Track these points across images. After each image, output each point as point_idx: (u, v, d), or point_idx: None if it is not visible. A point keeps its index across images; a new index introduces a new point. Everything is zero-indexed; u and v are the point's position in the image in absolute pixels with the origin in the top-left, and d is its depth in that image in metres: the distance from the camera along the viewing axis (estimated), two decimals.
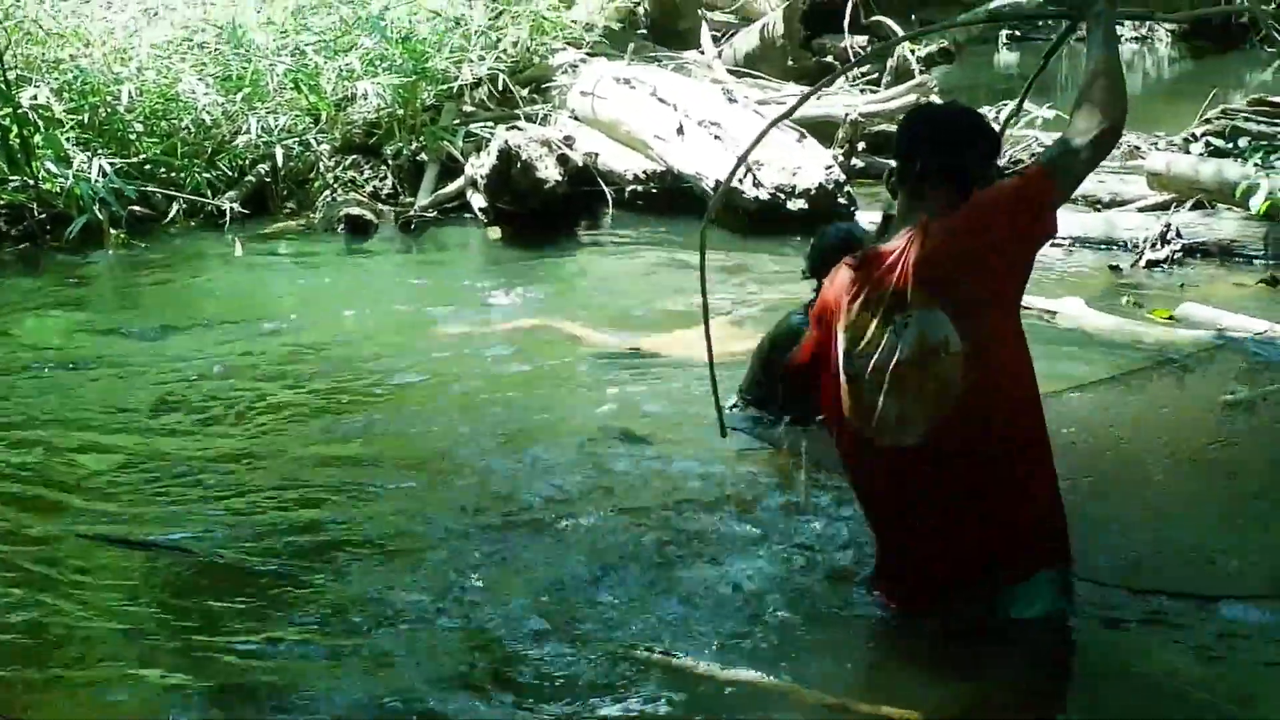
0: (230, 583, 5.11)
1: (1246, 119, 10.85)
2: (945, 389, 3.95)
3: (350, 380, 7.45)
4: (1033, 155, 10.72)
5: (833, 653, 4.55)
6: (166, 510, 5.81)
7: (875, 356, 4.03)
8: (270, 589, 5.07)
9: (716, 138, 10.79)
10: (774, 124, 5.26)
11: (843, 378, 4.13)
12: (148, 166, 11.10)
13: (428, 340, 8.07)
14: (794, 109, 5.13)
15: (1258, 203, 9.27)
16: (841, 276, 4.18)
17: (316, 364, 7.76)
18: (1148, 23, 21.59)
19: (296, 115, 11.46)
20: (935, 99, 13.28)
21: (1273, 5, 19.93)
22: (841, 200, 10.31)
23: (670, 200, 11.05)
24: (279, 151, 11.24)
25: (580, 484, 5.96)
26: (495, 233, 10.85)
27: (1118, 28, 4.17)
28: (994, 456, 4.02)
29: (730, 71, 13.81)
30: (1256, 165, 9.71)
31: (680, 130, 11.03)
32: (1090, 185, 11.00)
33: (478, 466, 6.21)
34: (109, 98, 10.90)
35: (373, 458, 6.39)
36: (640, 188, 11.31)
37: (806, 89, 12.60)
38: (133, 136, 11.09)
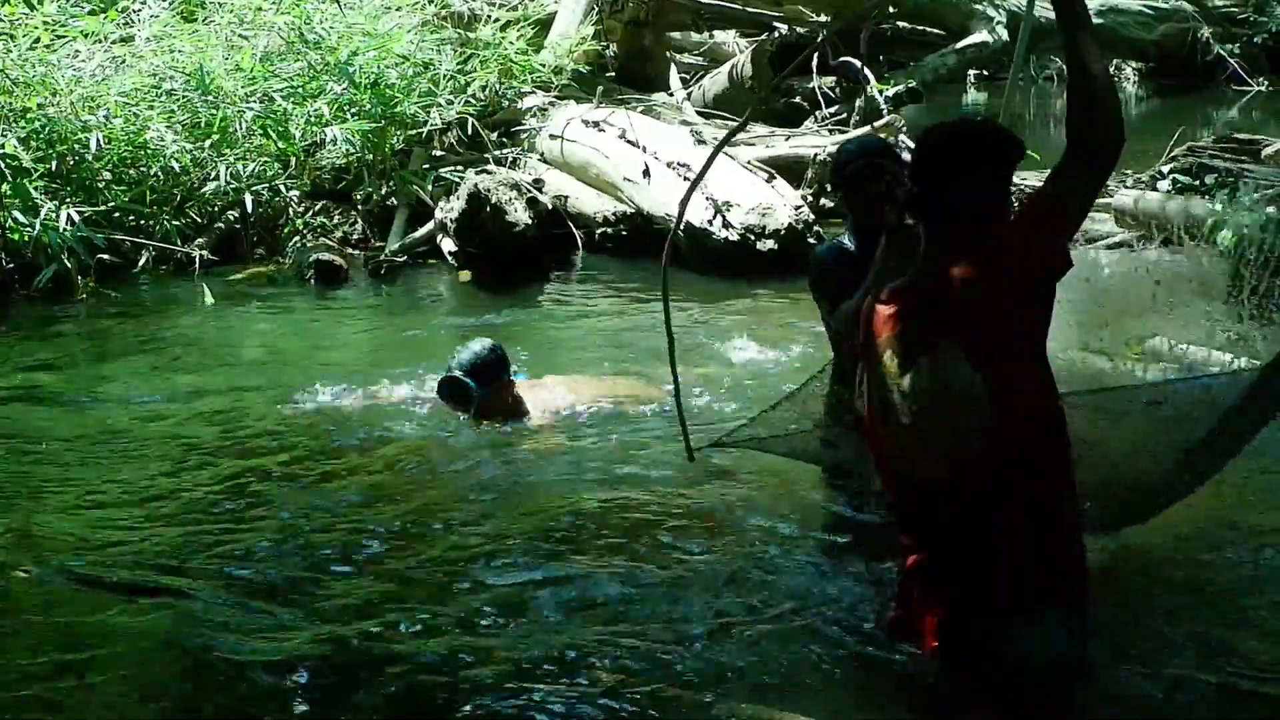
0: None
1: (1213, 156, 10.92)
2: (968, 429, 3.94)
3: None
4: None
5: (829, 689, 4.59)
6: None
7: (899, 394, 4.03)
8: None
9: (686, 179, 10.83)
10: (717, 151, 5.34)
11: (877, 408, 4.15)
12: (116, 214, 11.09)
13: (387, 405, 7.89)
14: (731, 135, 5.30)
15: (1225, 239, 9.33)
16: (871, 312, 4.19)
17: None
18: (1115, 61, 21.82)
19: (265, 161, 11.46)
20: (904, 138, 13.41)
21: (1238, 45, 20.17)
22: (811, 241, 10.38)
23: (641, 242, 11.10)
24: (248, 198, 11.24)
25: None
26: (466, 276, 10.87)
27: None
28: (1019, 495, 4.01)
29: (699, 113, 13.89)
30: (1223, 202, 9.77)
31: (646, 172, 11.10)
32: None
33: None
34: (77, 146, 10.90)
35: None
36: (610, 230, 11.36)
37: (776, 129, 12.80)
38: (101, 185, 11.10)
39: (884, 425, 4.11)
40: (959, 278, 3.94)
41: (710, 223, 10.41)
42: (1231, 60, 20.07)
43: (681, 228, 10.48)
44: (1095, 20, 15.21)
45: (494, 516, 6.16)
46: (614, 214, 11.27)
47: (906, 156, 13.19)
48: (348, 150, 11.73)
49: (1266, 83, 20.18)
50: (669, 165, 11.08)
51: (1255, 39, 20.51)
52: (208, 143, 11.28)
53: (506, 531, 5.96)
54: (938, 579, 4.18)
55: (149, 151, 11.14)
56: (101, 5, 12.34)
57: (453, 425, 7.24)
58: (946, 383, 3.93)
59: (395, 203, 11.97)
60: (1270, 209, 9.55)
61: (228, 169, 11.13)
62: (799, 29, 16.86)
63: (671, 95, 14.67)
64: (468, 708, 4.56)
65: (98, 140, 10.79)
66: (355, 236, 11.82)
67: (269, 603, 5.33)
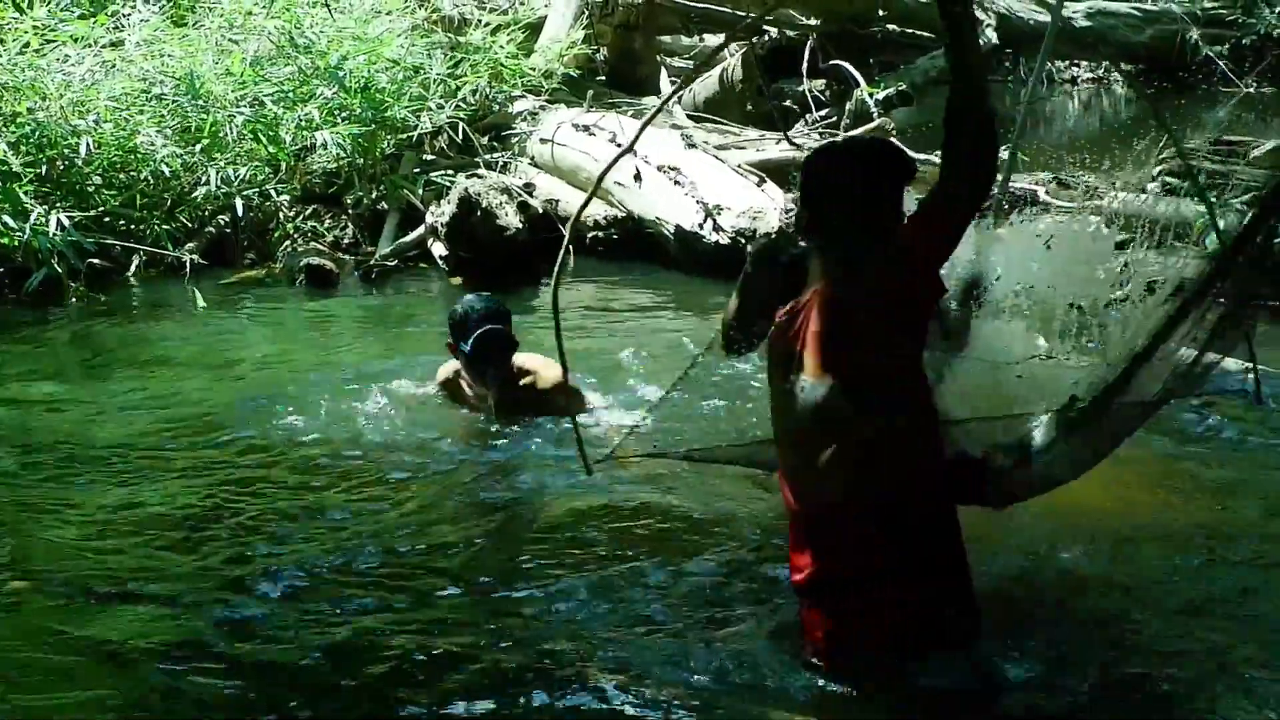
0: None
1: (1202, 157, 10.96)
2: (844, 452, 3.91)
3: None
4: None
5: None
6: None
7: (785, 415, 4.04)
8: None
9: (676, 183, 10.85)
10: (643, 128, 5.38)
11: (777, 427, 4.13)
12: (107, 219, 11.08)
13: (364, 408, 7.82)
14: (657, 112, 5.36)
15: (1214, 241, 9.35)
16: (776, 324, 4.16)
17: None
18: (1104, 64, 21.87)
19: (256, 166, 11.46)
20: (894, 139, 13.40)
21: (1226, 47, 20.21)
22: (803, 244, 10.35)
23: (632, 246, 11.15)
24: (239, 202, 11.25)
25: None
26: (456, 281, 10.86)
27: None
28: (898, 521, 3.95)
29: (690, 117, 13.88)
30: (1211, 204, 9.79)
31: (637, 176, 11.10)
32: (1046, 225, 11.11)
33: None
34: (67, 150, 10.89)
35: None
36: (601, 233, 11.36)
37: (767, 133, 12.81)
38: (91, 189, 11.08)
39: (781, 444, 4.10)
40: (833, 306, 3.94)
41: (701, 226, 10.43)
42: (1220, 62, 20.12)
43: (670, 230, 10.53)
44: (1084, 23, 15.40)
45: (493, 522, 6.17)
46: (605, 218, 11.26)
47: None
48: (338, 154, 11.72)
49: (1254, 84, 20.24)
50: (660, 169, 11.08)
51: (1243, 40, 20.57)
52: (198, 147, 11.28)
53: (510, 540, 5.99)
54: (830, 597, 4.15)
55: (139, 156, 11.13)
56: (91, 10, 12.33)
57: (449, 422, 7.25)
58: (822, 405, 3.90)
59: (386, 207, 11.97)
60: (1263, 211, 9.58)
61: (218, 173, 11.12)
62: (789, 32, 16.88)
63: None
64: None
65: (88, 145, 10.77)
66: (346, 241, 11.82)
67: (260, 605, 5.37)
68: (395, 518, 6.27)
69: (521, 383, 6.98)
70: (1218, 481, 6.44)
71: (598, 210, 11.35)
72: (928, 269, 3.90)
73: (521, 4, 15.72)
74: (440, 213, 11.27)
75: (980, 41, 3.85)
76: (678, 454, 5.77)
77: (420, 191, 11.86)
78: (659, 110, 5.70)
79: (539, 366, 7.06)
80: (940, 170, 3.90)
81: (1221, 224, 9.24)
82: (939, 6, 3.78)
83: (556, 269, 5.02)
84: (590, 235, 11.32)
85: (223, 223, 11.68)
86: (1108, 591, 5.18)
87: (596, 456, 5.41)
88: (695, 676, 4.63)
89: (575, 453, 5.22)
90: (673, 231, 10.65)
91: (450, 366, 7.26)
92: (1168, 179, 10.85)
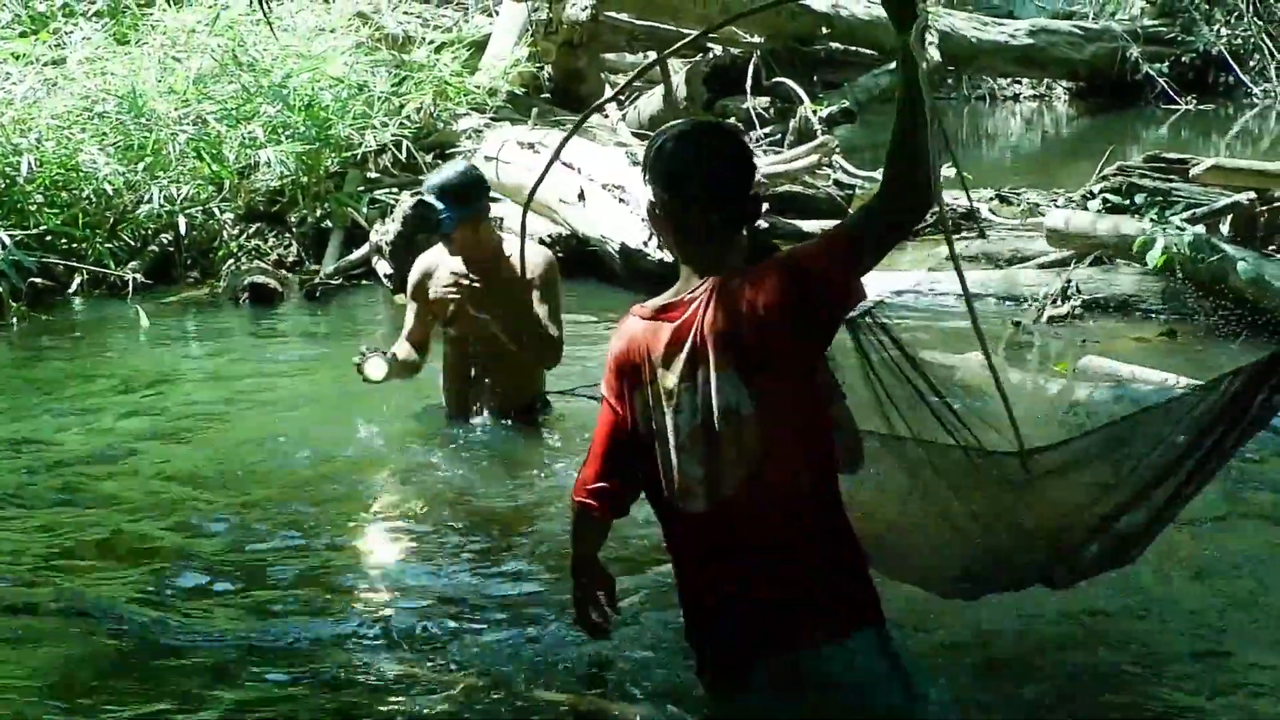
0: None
1: (1142, 175, 11.09)
2: (740, 453, 3.84)
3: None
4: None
5: None
6: None
7: (674, 416, 3.92)
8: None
9: (621, 200, 10.87)
10: (566, 140, 5.28)
11: (646, 438, 4.01)
12: (48, 237, 11.03)
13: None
14: (576, 127, 5.33)
15: (1154, 257, 9.49)
16: (632, 327, 4.03)
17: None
18: (1045, 80, 22.08)
19: (199, 184, 11.43)
20: (839, 159, 13.51)
21: (1166, 64, 20.45)
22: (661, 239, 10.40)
23: (577, 264, 10.99)
24: (182, 220, 11.23)
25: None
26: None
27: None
28: (793, 520, 3.88)
29: (635, 134, 13.94)
30: (1152, 220, 9.94)
31: (581, 195, 11.15)
32: (991, 243, 11.24)
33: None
34: (8, 169, 10.83)
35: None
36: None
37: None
38: (33, 207, 11.02)
39: (658, 457, 3.99)
40: (738, 300, 3.83)
41: (645, 244, 10.46)
42: (1160, 79, 20.34)
43: (615, 248, 10.56)
44: (1027, 40, 15.53)
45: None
46: (550, 236, 11.25)
47: (839, 175, 13.19)
48: (282, 172, 11.67)
49: (1194, 101, 20.47)
50: (604, 187, 11.10)
51: (1183, 58, 20.81)
52: (141, 165, 11.25)
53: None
54: (712, 623, 4.06)
55: (81, 174, 11.09)
56: (33, 27, 12.29)
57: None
58: (721, 403, 3.83)
59: (330, 225, 11.97)
60: (1199, 227, 9.73)
61: (161, 191, 11.09)
62: (732, 50, 16.98)
63: (606, 117, 14.72)
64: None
65: (29, 163, 10.72)
66: (290, 259, 11.81)
67: (202, 615, 5.35)
68: (356, 527, 6.32)
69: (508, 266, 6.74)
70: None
71: (543, 228, 11.35)
72: (841, 280, 3.77)
73: (466, 21, 15.81)
74: (384, 231, 11.27)
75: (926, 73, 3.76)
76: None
77: (364, 209, 11.86)
78: (582, 121, 5.70)
79: (529, 252, 6.77)
80: (873, 209, 3.79)
81: (1161, 241, 9.44)
82: (901, 74, 3.72)
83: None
84: None
85: (166, 241, 11.66)
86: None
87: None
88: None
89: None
90: (617, 249, 10.67)
91: (419, 268, 7.09)
92: (1109, 197, 10.97)
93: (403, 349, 7.01)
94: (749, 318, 3.78)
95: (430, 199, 6.61)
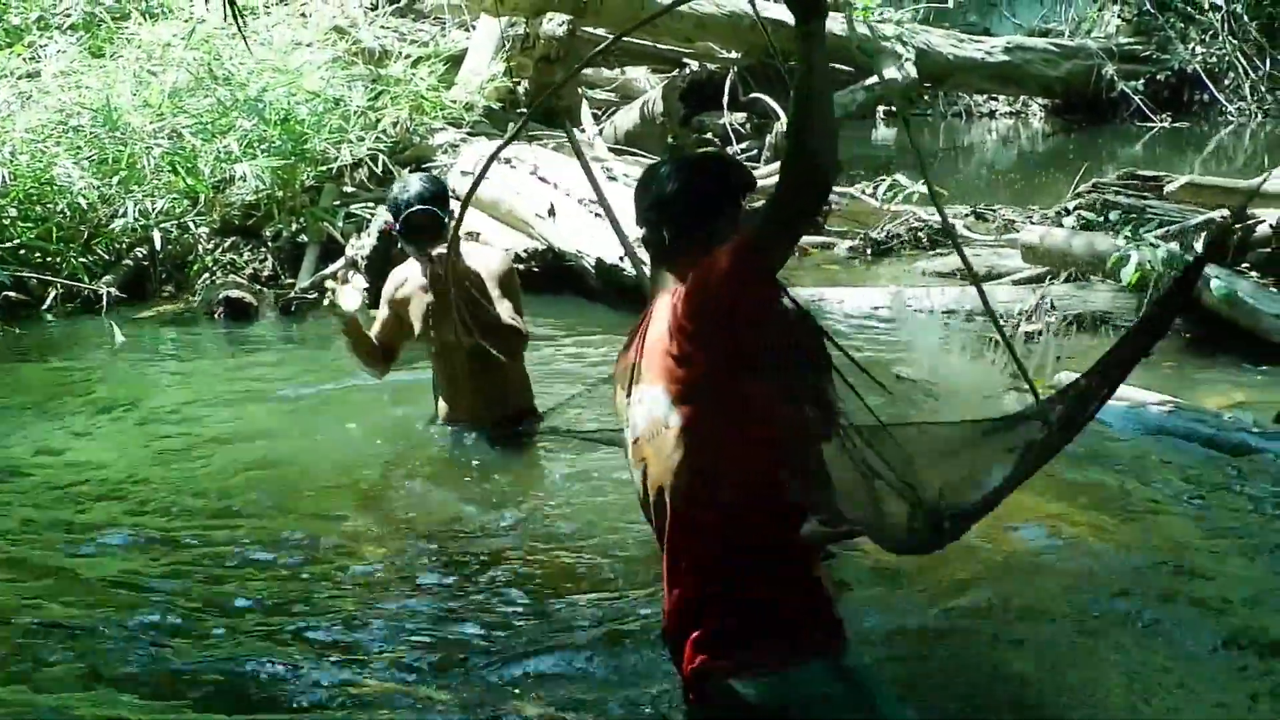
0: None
1: (1117, 192, 11.16)
2: (669, 468, 3.84)
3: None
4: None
5: None
6: None
7: (629, 433, 3.99)
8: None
9: (596, 215, 10.87)
10: (491, 159, 5.33)
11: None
12: (22, 251, 11.01)
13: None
14: (512, 138, 5.34)
15: (1128, 274, 9.53)
16: (622, 350, 4.14)
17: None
18: (1022, 97, 22.18)
19: (174, 198, 11.41)
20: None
21: (1141, 82, 20.56)
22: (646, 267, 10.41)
23: (553, 279, 11.16)
24: (157, 235, 11.22)
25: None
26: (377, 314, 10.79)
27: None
28: (725, 540, 3.84)
29: (611, 149, 13.99)
30: (1126, 238, 9.98)
31: (551, 211, 11.18)
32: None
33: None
34: None
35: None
36: (522, 267, 11.37)
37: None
38: (7, 221, 10.99)
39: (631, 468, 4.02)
40: (661, 316, 3.88)
41: (621, 259, 10.37)
42: (1135, 97, 20.45)
43: (591, 262, 10.57)
44: (1003, 57, 15.58)
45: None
46: (525, 251, 11.27)
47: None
48: (258, 187, 11.66)
49: (1169, 119, 20.58)
50: (579, 202, 11.10)
51: (1158, 76, 20.92)
52: (115, 179, 11.23)
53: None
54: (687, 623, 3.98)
55: (55, 188, 11.06)
56: (7, 40, 12.27)
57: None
58: (652, 417, 3.85)
59: (305, 239, 11.97)
60: (1173, 244, 9.77)
61: (136, 206, 11.07)
62: (708, 65, 17.02)
63: (583, 131, 14.76)
64: None
65: (3, 177, 10.70)
66: (265, 273, 11.82)
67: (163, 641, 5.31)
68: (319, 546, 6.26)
69: (463, 265, 6.79)
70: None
71: (519, 243, 11.37)
72: (744, 283, 3.71)
73: (443, 36, 15.82)
74: (360, 245, 11.31)
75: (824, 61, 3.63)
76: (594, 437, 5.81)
77: (340, 224, 11.88)
78: (520, 126, 5.76)
79: (484, 253, 7.09)
80: (768, 200, 3.72)
81: (1135, 257, 9.49)
82: (800, 53, 3.55)
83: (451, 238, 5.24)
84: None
85: (140, 255, 11.65)
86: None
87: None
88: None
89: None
90: (593, 264, 10.69)
91: (393, 280, 7.20)
92: (1083, 214, 11.03)
93: (369, 337, 7.13)
94: (670, 330, 3.80)
95: (427, 206, 6.71)
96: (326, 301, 6.74)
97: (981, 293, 4.30)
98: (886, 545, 4.15)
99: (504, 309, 6.82)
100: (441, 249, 6.58)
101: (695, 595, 3.88)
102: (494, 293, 6.82)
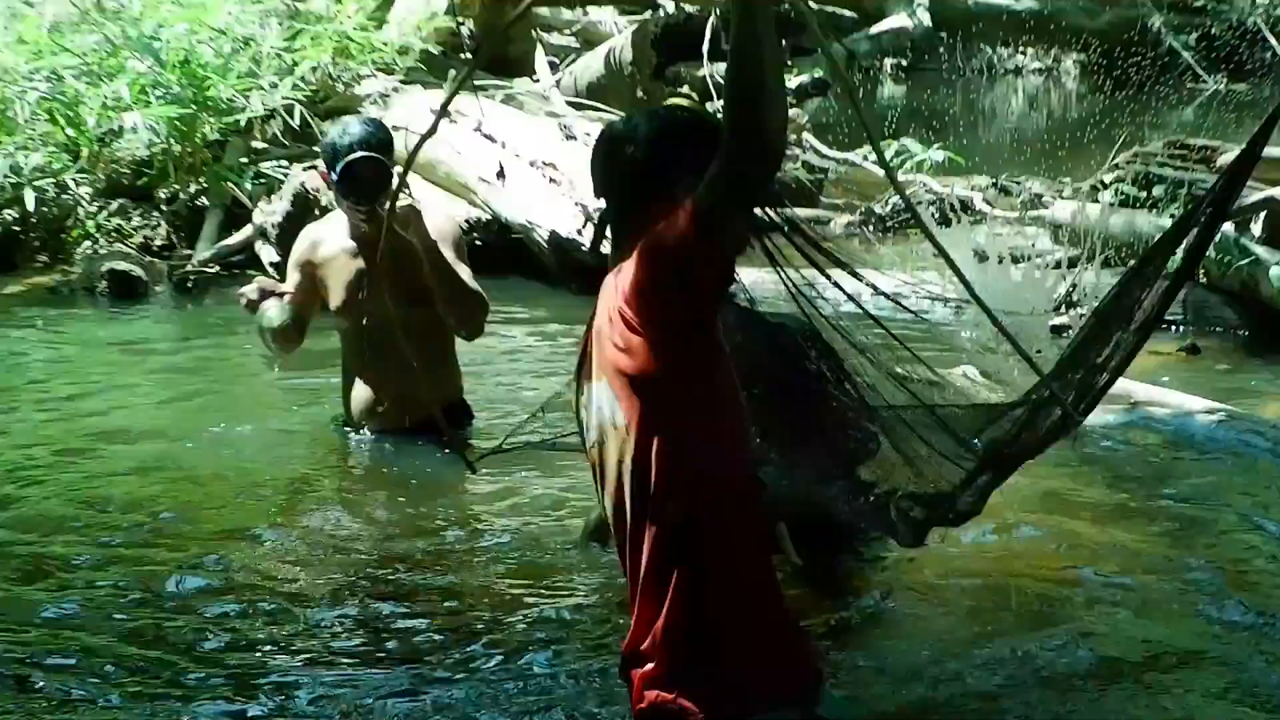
0: None
1: (1162, 164, 11.17)
2: (616, 477, 3.82)
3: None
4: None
5: None
6: None
7: (585, 437, 3.99)
8: None
9: (552, 180, 10.90)
10: (444, 111, 5.26)
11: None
12: None
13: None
14: (459, 87, 5.31)
15: (1175, 260, 9.51)
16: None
17: None
18: (1053, 52, 22.24)
19: (51, 152, 11.37)
20: (808, 137, 13.59)
21: (1193, 36, 20.64)
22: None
23: (499, 255, 11.06)
24: (29, 195, 11.16)
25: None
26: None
27: None
28: (691, 556, 3.78)
29: (570, 103, 13.95)
30: (1173, 217, 9.96)
31: (501, 173, 11.22)
32: (983, 238, 11.27)
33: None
34: None
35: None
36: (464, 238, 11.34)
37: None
38: None
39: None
40: (604, 299, 3.84)
41: (579, 232, 10.49)
42: (1185, 53, 20.50)
43: (543, 236, 10.56)
44: (1032, 5, 15.57)
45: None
46: (468, 221, 11.20)
47: (808, 156, 13.34)
48: (151, 140, 11.66)
49: (1225, 79, 20.62)
50: (531, 164, 11.16)
51: (1213, 30, 20.97)
52: None
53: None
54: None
55: None
56: None
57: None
58: (600, 416, 3.83)
59: (206, 203, 11.95)
60: (1228, 226, 9.79)
61: (5, 160, 11.02)
62: (686, 6, 17.02)
63: (537, 82, 14.74)
64: None
65: None
66: (158, 242, 11.76)
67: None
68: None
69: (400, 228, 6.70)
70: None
71: (460, 212, 11.28)
72: (685, 258, 3.62)
73: None
74: (271, 210, 11.29)
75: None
76: (568, 445, 5.80)
77: (248, 185, 11.84)
78: (467, 74, 5.76)
79: (429, 216, 7.02)
80: (713, 165, 3.60)
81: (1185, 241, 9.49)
82: None
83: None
84: None
85: (10, 219, 11.61)
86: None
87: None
88: None
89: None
90: (546, 238, 10.71)
91: (307, 239, 7.17)
92: (1123, 188, 11.03)
93: None
94: (611, 314, 3.76)
95: (371, 154, 6.65)
96: (244, 305, 6.69)
97: (957, 271, 4.35)
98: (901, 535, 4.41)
99: (464, 273, 6.81)
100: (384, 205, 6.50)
101: (649, 623, 3.81)
102: (449, 256, 6.81)
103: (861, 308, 4.31)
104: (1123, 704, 5.00)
